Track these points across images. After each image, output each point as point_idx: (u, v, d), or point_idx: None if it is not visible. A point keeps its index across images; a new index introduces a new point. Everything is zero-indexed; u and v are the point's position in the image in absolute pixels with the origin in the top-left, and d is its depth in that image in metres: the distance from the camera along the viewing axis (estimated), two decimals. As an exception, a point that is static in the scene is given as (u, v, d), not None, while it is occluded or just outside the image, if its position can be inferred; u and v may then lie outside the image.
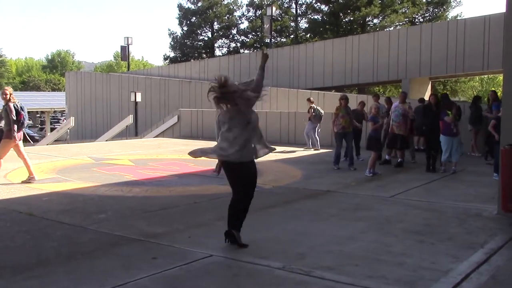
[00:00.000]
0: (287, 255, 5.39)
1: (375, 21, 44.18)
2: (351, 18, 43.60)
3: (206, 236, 6.17)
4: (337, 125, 12.24)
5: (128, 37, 40.88)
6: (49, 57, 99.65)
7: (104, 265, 5.06)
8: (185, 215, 7.40)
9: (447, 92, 42.60)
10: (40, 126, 52.26)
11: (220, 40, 54.33)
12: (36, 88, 78.28)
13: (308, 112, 17.09)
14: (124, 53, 42.01)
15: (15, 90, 78.28)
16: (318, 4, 46.02)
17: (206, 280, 4.70)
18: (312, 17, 47.30)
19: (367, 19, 43.34)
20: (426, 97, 18.55)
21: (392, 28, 40.43)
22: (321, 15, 46.15)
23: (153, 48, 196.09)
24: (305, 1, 48.08)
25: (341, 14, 43.83)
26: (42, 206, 7.83)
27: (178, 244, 5.76)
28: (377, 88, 39.91)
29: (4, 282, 4.60)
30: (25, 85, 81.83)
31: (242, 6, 54.55)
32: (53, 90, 78.27)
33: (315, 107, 17.07)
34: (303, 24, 49.62)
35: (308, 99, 17.53)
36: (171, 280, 4.69)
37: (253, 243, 5.72)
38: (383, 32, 30.01)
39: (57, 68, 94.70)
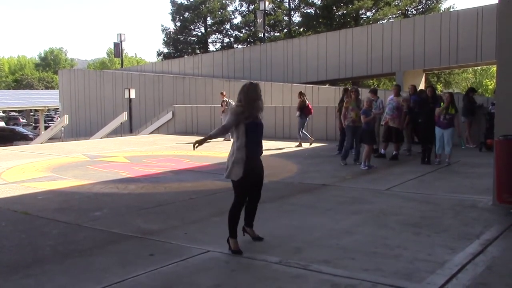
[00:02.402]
0: (283, 250, 5.40)
1: (368, 14, 44.18)
2: (344, 12, 43.55)
3: (203, 232, 6.18)
4: (347, 118, 11.91)
5: (121, 34, 40.85)
6: (42, 55, 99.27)
7: (101, 263, 5.06)
8: (181, 211, 7.39)
9: (441, 84, 42.90)
10: (34, 124, 52.10)
11: (213, 35, 54.22)
12: (29, 86, 77.98)
13: (222, 105, 18.03)
14: (118, 50, 41.93)
15: (8, 88, 78.08)
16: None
17: (204, 275, 4.70)
18: (305, 11, 47.22)
19: (360, 12, 43.32)
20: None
21: (385, 21, 40.43)
22: (314, 8, 46.09)
23: (146, 45, 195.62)
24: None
25: (334, 8, 43.77)
26: (37, 204, 7.81)
27: (175, 241, 5.76)
28: (371, 81, 39.95)
29: (0, 281, 4.59)
30: (18, 84, 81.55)
31: (235, 1, 54.42)
32: (47, 88, 77.96)
33: (227, 100, 18.05)
34: (296, 18, 49.62)
35: (221, 93, 18.72)
36: (168, 276, 4.69)
37: (249, 238, 5.72)
38: (376, 25, 29.99)
39: (50, 66, 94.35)
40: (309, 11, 46.74)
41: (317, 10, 45.21)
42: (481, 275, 4.67)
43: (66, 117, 27.61)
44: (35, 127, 48.06)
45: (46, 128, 39.66)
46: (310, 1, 45.95)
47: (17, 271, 4.84)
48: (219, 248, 5.41)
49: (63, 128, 28.57)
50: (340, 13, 44.32)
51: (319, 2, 45.27)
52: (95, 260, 5.14)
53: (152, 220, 6.78)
